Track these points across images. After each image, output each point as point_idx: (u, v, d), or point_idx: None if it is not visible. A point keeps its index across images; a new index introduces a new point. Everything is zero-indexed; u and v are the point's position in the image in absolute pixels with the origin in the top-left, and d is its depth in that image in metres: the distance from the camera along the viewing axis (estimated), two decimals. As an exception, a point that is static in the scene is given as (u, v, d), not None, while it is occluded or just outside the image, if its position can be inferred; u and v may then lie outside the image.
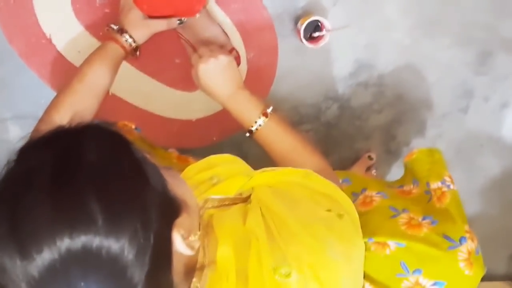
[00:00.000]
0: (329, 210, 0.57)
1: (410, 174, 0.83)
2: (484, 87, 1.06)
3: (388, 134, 1.09)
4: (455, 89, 1.06)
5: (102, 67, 0.76)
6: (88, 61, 0.76)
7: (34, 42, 0.93)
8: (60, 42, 0.94)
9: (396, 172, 1.12)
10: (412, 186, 0.80)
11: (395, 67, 1.03)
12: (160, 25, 0.82)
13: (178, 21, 0.83)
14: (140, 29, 0.80)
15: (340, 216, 0.57)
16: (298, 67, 1.01)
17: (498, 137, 1.11)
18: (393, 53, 1.02)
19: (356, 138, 1.09)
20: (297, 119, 1.06)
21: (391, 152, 1.10)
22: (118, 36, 0.78)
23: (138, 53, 0.83)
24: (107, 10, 0.92)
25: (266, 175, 0.63)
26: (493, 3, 1.00)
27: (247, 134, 0.74)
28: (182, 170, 0.74)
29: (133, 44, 0.79)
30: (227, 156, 0.67)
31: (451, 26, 1.01)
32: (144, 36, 0.81)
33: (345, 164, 1.10)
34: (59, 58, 0.94)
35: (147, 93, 0.99)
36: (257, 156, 1.06)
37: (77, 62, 0.95)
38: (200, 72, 0.74)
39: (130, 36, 0.79)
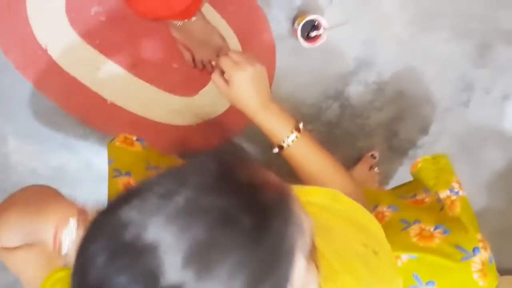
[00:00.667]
0: (365, 245, 0.54)
1: (419, 183, 0.80)
2: (484, 79, 1.05)
3: (390, 131, 1.08)
4: (456, 82, 1.05)
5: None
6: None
7: (29, 53, 0.92)
8: (56, 52, 0.93)
9: (399, 170, 1.11)
10: (424, 195, 0.78)
11: (394, 63, 1.02)
12: None
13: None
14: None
15: (375, 253, 0.54)
16: (296, 67, 1.00)
17: (501, 130, 1.10)
18: (392, 49, 1.01)
19: (358, 137, 1.08)
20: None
21: (394, 149, 1.10)
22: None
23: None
24: (102, 19, 0.92)
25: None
26: (489, -5, 1.00)
27: (275, 150, 0.69)
28: None
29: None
30: None
31: (448, 19, 1.00)
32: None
33: (348, 163, 1.09)
34: (56, 68, 0.94)
35: (146, 100, 0.98)
36: (259, 160, 1.06)
37: (74, 72, 0.94)
38: (236, 80, 0.67)
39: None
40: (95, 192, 1.05)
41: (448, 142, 1.10)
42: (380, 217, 0.74)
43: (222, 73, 0.70)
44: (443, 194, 0.73)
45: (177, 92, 0.99)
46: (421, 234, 0.66)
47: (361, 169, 1.07)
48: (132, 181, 0.71)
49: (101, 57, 0.94)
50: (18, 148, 1.00)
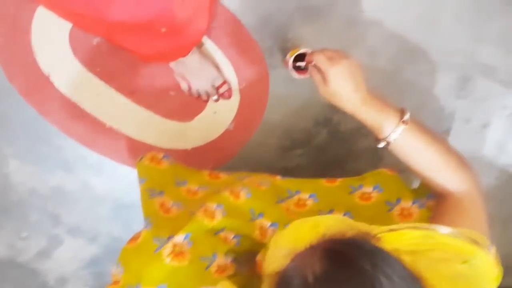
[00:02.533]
0: (465, 261, 0.54)
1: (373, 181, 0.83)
2: (464, 109, 1.12)
3: (375, 156, 1.13)
4: (437, 112, 1.11)
5: None
6: None
7: (33, 80, 0.96)
8: (59, 78, 0.97)
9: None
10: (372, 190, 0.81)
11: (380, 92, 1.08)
12: None
13: None
14: None
15: (475, 262, 0.54)
16: (288, 95, 1.06)
17: (480, 156, 1.17)
18: (377, 80, 1.07)
19: (346, 160, 1.14)
20: (290, 143, 1.10)
21: (379, 173, 1.15)
22: None
23: None
24: (103, 48, 0.96)
25: (394, 237, 0.54)
26: (469, 31, 1.06)
27: (381, 145, 0.67)
28: (215, 186, 0.76)
29: None
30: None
31: (431, 53, 1.06)
32: None
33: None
34: (58, 95, 0.98)
35: (143, 125, 1.02)
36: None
37: (75, 98, 0.98)
38: (332, 75, 0.65)
39: None
40: (93, 212, 1.09)
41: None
42: (366, 197, 0.77)
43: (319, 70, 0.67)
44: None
45: (173, 118, 1.03)
46: (402, 214, 0.71)
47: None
48: (165, 199, 0.74)
49: (102, 84, 0.98)
50: (18, 168, 1.03)
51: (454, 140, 1.14)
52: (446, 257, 0.53)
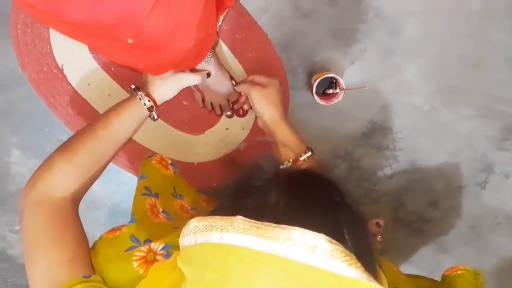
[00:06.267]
0: None
1: (445, 286, 0.74)
2: (505, 163, 0.99)
3: (397, 200, 1.03)
4: (474, 162, 0.99)
5: (128, 118, 0.73)
6: (115, 110, 0.74)
7: (45, 71, 0.93)
8: (72, 73, 0.94)
9: (402, 240, 1.05)
10: None
11: (411, 132, 0.98)
12: (191, 80, 0.79)
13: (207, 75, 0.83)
14: (163, 85, 0.77)
15: None
16: (308, 121, 0.97)
17: (517, 217, 1.03)
18: (411, 118, 0.97)
19: (363, 201, 1.04)
20: (303, 173, 1.02)
21: (399, 219, 1.04)
22: (135, 95, 0.76)
23: (155, 114, 0.78)
24: (120, 47, 0.92)
25: None
26: (522, 77, 0.94)
27: (288, 164, 0.78)
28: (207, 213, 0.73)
29: (148, 104, 0.76)
30: None
31: (474, 97, 0.95)
32: (169, 93, 0.79)
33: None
34: (69, 89, 0.94)
35: (152, 132, 0.97)
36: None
37: (86, 95, 0.95)
38: (253, 95, 0.80)
39: (146, 95, 0.76)
40: (88, 215, 1.04)
41: (458, 221, 1.04)
42: None
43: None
44: None
45: (183, 129, 0.97)
46: None
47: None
48: (158, 203, 0.71)
49: (114, 85, 0.94)
50: (20, 159, 1.00)
51: (490, 194, 1.01)
52: None
